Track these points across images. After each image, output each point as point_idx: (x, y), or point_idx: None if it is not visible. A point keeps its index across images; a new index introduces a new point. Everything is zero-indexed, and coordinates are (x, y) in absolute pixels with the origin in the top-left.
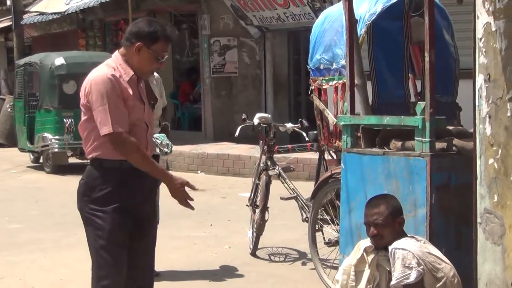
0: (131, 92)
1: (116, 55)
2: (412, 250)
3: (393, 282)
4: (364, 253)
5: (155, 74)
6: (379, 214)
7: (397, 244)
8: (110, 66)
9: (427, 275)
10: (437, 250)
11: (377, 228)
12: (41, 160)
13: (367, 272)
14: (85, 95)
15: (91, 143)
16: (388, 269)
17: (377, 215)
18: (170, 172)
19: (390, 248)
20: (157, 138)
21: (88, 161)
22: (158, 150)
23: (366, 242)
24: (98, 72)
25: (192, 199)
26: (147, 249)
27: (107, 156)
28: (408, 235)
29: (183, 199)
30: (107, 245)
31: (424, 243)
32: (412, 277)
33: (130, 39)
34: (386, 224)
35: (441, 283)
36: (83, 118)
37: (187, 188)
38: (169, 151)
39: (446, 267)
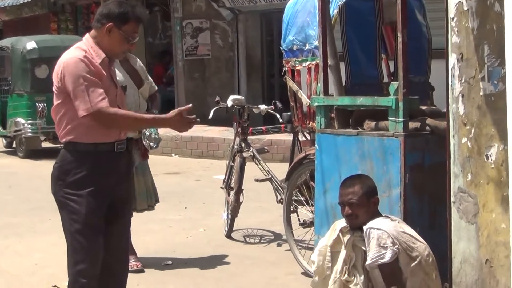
0: (100, 74)
1: (87, 37)
2: (387, 229)
3: (368, 262)
4: (340, 234)
5: (137, 58)
6: (354, 194)
7: (371, 224)
8: (82, 49)
9: (402, 254)
10: (412, 230)
11: (352, 208)
12: (14, 145)
13: (343, 253)
14: (58, 79)
15: (64, 126)
16: (364, 249)
17: (351, 194)
18: (160, 115)
19: (364, 228)
20: (147, 130)
21: (62, 145)
22: (144, 142)
23: (342, 222)
24: (70, 54)
25: (196, 122)
26: (122, 232)
27: (81, 139)
28: (383, 215)
29: (188, 126)
30: (83, 229)
31: (398, 222)
32: (387, 256)
33: (100, 20)
34: (361, 204)
35: (416, 262)
36: (55, 102)
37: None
38: (154, 146)
39: (421, 246)
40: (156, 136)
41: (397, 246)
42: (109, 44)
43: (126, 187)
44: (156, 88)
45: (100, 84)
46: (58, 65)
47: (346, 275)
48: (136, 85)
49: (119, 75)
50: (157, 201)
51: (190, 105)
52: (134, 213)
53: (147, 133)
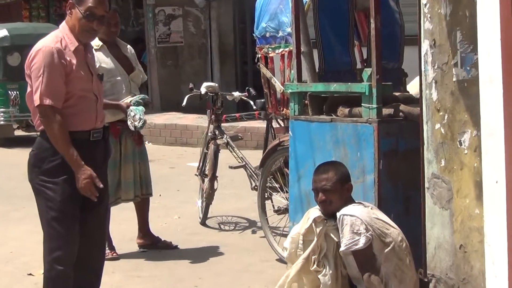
0: (74, 62)
1: (63, 25)
2: (360, 216)
3: (342, 249)
4: (313, 224)
5: (128, 45)
6: (328, 180)
7: (345, 210)
8: (57, 37)
9: (375, 240)
10: (385, 216)
11: (326, 194)
12: None
13: (313, 242)
14: (28, 66)
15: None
16: (337, 240)
17: (325, 180)
18: (81, 164)
19: (338, 214)
20: (131, 111)
21: (37, 133)
22: (129, 123)
23: (316, 211)
24: (42, 43)
25: (96, 195)
26: (99, 220)
27: None
28: (356, 202)
29: (88, 192)
30: (59, 217)
31: (371, 208)
32: (361, 242)
33: (67, 6)
34: (335, 190)
35: (389, 248)
36: (28, 89)
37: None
38: (138, 126)
39: (394, 232)
40: (141, 117)
41: (371, 232)
42: (72, 25)
43: (102, 174)
44: (146, 78)
45: (60, 82)
46: (30, 52)
47: (315, 266)
48: (126, 71)
49: (107, 62)
50: (148, 194)
51: (101, 186)
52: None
53: (132, 114)
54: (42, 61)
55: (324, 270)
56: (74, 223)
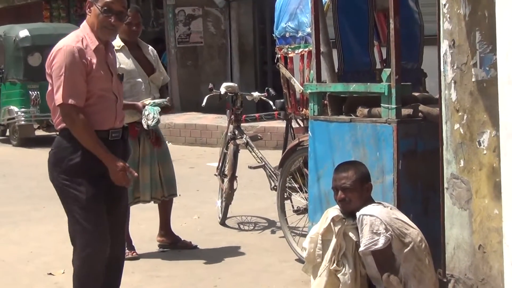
0: (95, 61)
1: (84, 24)
2: (379, 216)
3: (361, 248)
4: (331, 223)
5: (150, 46)
6: (348, 178)
7: (364, 210)
8: (79, 36)
9: (394, 240)
10: (404, 216)
11: (345, 192)
12: (7, 133)
13: (333, 242)
14: (49, 65)
15: (59, 113)
16: (355, 239)
17: (345, 179)
18: (112, 157)
19: (357, 214)
20: (146, 110)
21: (56, 133)
22: (143, 121)
23: (334, 211)
24: (64, 42)
25: (130, 185)
26: (118, 219)
27: None
28: (375, 202)
29: (122, 182)
30: (86, 215)
31: (391, 209)
32: (380, 242)
33: (86, 4)
34: (354, 189)
35: (408, 248)
36: (49, 88)
37: None
38: (151, 125)
39: (414, 232)
40: (155, 115)
41: (390, 232)
42: (92, 23)
43: None
44: (168, 79)
45: (81, 81)
46: (51, 52)
47: (334, 264)
48: (146, 72)
49: (128, 63)
50: (171, 194)
51: (136, 174)
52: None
53: (146, 113)
54: (63, 60)
55: (344, 269)
56: (102, 219)
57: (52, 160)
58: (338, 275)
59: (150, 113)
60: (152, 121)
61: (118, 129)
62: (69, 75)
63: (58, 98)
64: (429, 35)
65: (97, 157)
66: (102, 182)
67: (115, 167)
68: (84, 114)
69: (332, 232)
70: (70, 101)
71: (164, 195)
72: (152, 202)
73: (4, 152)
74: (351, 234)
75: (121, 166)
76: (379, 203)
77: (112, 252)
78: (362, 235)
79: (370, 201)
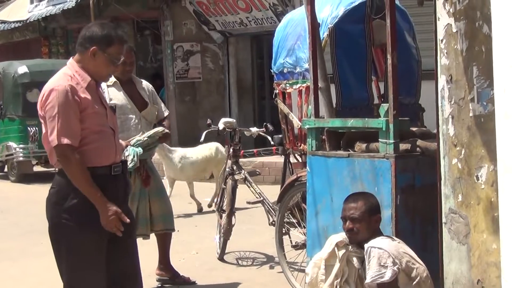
0: (89, 98)
1: (71, 62)
2: (387, 249)
3: (367, 281)
4: (336, 248)
5: (144, 81)
6: (356, 209)
7: (373, 243)
8: (67, 75)
9: (401, 274)
10: (412, 251)
11: (353, 223)
12: (5, 169)
13: (336, 267)
14: (41, 106)
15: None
16: (357, 267)
17: (354, 209)
18: (105, 201)
19: (366, 246)
20: (127, 150)
21: (55, 169)
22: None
23: (338, 237)
24: (54, 82)
25: (122, 230)
26: (130, 253)
27: None
28: (384, 235)
29: (113, 228)
30: (84, 254)
31: (399, 243)
32: (387, 276)
33: (83, 44)
34: (362, 220)
35: (414, 283)
36: (44, 130)
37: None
38: (129, 167)
39: (420, 268)
40: (134, 158)
41: (397, 266)
42: (94, 67)
43: (125, 209)
44: (166, 114)
45: (75, 121)
46: (42, 92)
47: None
48: (138, 108)
49: (119, 98)
50: (167, 229)
51: (127, 220)
52: None
53: (126, 153)
54: (56, 101)
55: None
56: (101, 256)
57: (54, 199)
58: None
59: (130, 155)
60: (130, 163)
61: (119, 163)
62: (63, 116)
63: (53, 139)
64: (427, 69)
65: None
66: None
67: (107, 211)
68: (85, 152)
69: (336, 258)
70: (66, 141)
71: (158, 229)
72: (142, 238)
73: (2, 188)
74: (354, 261)
75: (114, 210)
76: (388, 236)
77: (126, 283)
78: (369, 267)
79: (378, 233)
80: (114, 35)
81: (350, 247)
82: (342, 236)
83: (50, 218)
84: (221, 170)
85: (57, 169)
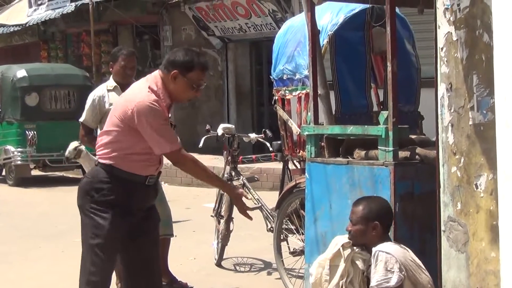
0: (164, 115)
1: (157, 77)
2: (395, 254)
3: (373, 284)
4: (341, 248)
5: None
6: (355, 213)
7: (381, 247)
8: (153, 91)
9: (406, 282)
10: (419, 260)
11: (351, 225)
12: (3, 173)
13: (341, 267)
14: (128, 114)
15: (110, 151)
16: (361, 268)
17: (353, 213)
18: (228, 184)
19: (373, 250)
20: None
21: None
22: None
23: (343, 238)
24: (143, 97)
25: (250, 209)
26: (151, 249)
27: (120, 166)
28: (393, 241)
29: (243, 209)
30: (104, 244)
31: (407, 251)
32: (393, 281)
33: (167, 66)
34: (357, 224)
35: None
36: (110, 127)
37: None
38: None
39: (425, 278)
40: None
41: (404, 273)
42: (174, 89)
43: (152, 211)
44: None
45: (168, 126)
46: (129, 101)
47: None
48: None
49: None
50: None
51: (250, 198)
52: None
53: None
54: (151, 116)
55: None
56: (116, 253)
57: (86, 188)
58: None
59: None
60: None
61: (155, 175)
62: (160, 126)
63: (162, 150)
64: (426, 77)
65: (133, 198)
66: (128, 219)
67: (236, 194)
68: (133, 160)
69: (340, 258)
70: (174, 148)
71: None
72: None
73: (0, 191)
74: (358, 263)
75: (240, 192)
76: (396, 243)
77: (147, 283)
78: (376, 271)
79: (382, 239)
80: (196, 61)
81: (355, 248)
82: (347, 237)
83: (79, 205)
84: None
85: (98, 162)
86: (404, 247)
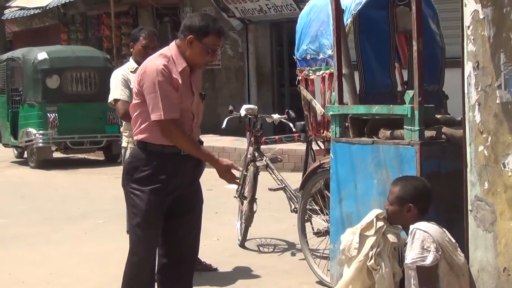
0: (180, 81)
1: (173, 45)
2: (433, 234)
3: (407, 261)
4: (375, 219)
5: None
6: (391, 193)
7: (419, 225)
8: (165, 56)
9: (442, 262)
10: (456, 243)
11: (389, 204)
12: (25, 155)
13: (371, 239)
14: (137, 82)
15: (139, 125)
16: (392, 240)
17: (390, 193)
18: (214, 156)
19: (411, 227)
20: None
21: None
22: None
23: (379, 210)
24: (152, 61)
25: (238, 179)
26: (191, 226)
27: (151, 140)
28: (431, 222)
29: (230, 179)
30: (142, 223)
31: (445, 231)
32: (429, 260)
33: (183, 32)
34: (394, 204)
35: (454, 273)
36: (134, 101)
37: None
38: None
39: (461, 260)
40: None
41: (440, 253)
42: (190, 55)
43: (193, 187)
44: None
45: (174, 95)
46: (140, 68)
47: (372, 261)
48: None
49: None
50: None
51: (240, 168)
52: None
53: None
54: (154, 79)
55: (380, 269)
56: (156, 231)
57: (126, 169)
58: (374, 274)
59: None
60: None
61: None
62: (162, 92)
63: (156, 115)
64: (450, 57)
65: (170, 172)
66: (167, 195)
67: (219, 165)
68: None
69: (372, 229)
70: (167, 117)
71: None
72: None
73: (22, 174)
74: (389, 236)
75: (226, 164)
76: (435, 223)
77: (187, 253)
78: (412, 248)
79: (418, 221)
80: (211, 26)
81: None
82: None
83: (122, 185)
84: None
85: (135, 141)
86: (442, 227)
